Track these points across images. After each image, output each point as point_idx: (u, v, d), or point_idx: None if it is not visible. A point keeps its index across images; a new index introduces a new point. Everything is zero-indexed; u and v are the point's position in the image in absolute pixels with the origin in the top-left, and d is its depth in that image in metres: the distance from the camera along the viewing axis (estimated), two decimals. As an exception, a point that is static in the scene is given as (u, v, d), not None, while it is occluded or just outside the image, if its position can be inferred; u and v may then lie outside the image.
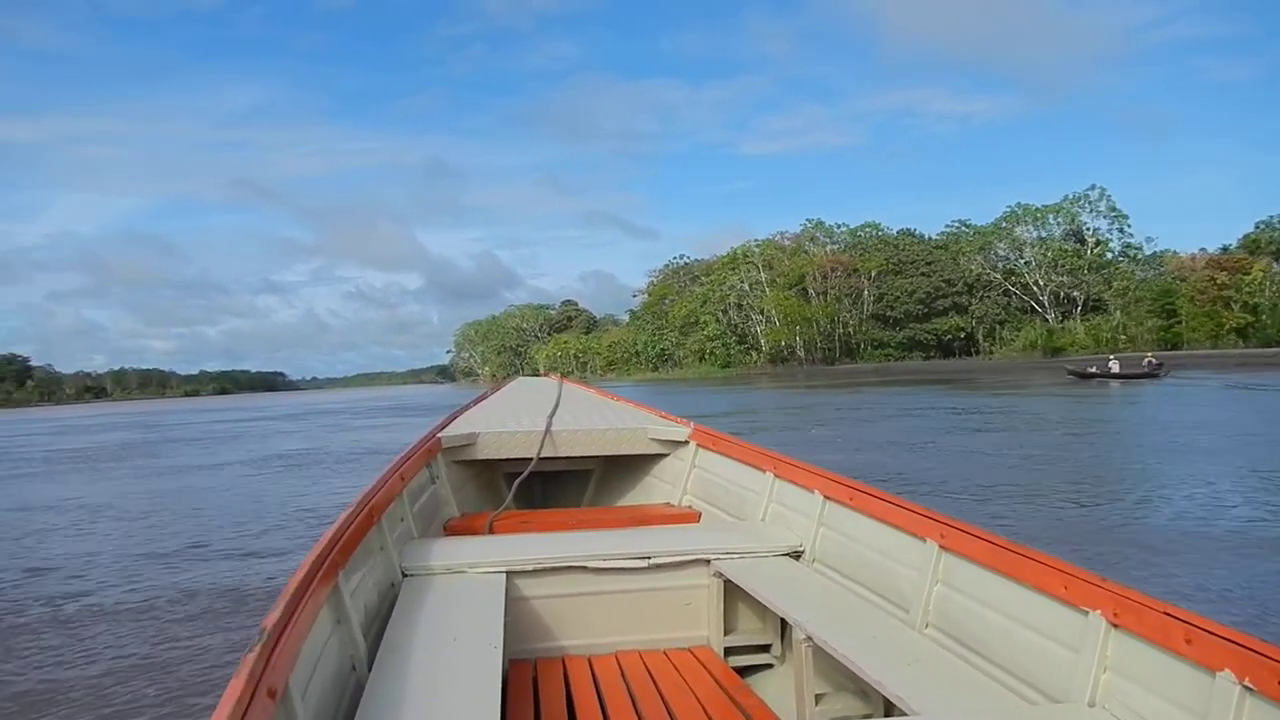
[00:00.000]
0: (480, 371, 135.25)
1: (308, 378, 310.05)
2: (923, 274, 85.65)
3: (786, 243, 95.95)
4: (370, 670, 2.14)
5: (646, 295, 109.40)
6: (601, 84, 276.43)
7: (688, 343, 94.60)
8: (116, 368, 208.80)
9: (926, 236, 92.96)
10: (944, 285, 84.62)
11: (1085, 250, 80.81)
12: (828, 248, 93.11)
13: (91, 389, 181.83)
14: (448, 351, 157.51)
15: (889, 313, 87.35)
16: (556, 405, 4.93)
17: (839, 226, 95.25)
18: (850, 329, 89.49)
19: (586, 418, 4.83)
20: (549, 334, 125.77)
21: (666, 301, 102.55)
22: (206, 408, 71.14)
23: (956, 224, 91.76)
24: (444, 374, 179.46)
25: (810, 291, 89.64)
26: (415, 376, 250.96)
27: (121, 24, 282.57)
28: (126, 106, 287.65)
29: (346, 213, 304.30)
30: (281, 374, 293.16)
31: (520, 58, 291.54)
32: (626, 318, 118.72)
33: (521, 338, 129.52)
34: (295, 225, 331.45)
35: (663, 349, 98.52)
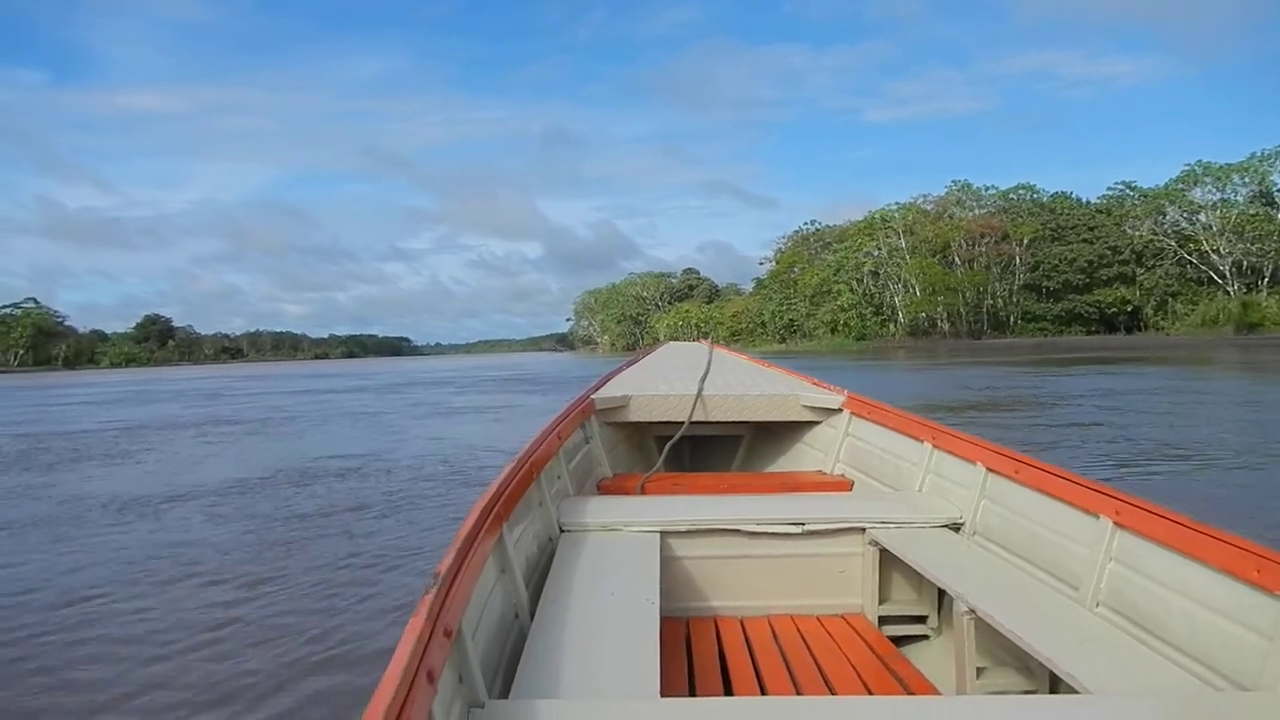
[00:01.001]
0: (599, 340, 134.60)
1: (431, 343, 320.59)
2: (1084, 240, 77.55)
3: (929, 206, 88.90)
4: (532, 619, 2.22)
5: (774, 263, 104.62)
6: (722, 50, 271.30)
7: (819, 313, 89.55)
8: (253, 330, 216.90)
9: (1085, 201, 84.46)
10: (1108, 253, 76.41)
11: (1276, 215, 71.30)
12: (974, 212, 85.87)
13: (228, 349, 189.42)
14: (567, 320, 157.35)
15: (1045, 283, 79.48)
16: (707, 370, 4.92)
17: (987, 189, 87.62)
18: (1000, 300, 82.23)
19: (738, 383, 4.87)
20: (669, 303, 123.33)
21: (795, 270, 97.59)
22: (313, 373, 71.54)
23: (1120, 186, 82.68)
24: (563, 342, 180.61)
25: (956, 259, 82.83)
26: (534, 344, 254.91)
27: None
28: (263, 77, 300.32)
29: (469, 181, 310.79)
30: (406, 339, 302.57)
31: (641, 23, 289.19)
32: (750, 287, 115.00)
33: (642, 306, 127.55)
34: (420, 194, 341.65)
35: (791, 319, 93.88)
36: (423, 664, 1.38)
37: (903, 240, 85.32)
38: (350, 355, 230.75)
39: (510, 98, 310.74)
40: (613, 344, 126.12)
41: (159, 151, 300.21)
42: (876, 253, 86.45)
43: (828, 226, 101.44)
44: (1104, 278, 77.03)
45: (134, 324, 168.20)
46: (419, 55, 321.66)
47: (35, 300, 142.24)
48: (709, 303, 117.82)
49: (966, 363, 39.89)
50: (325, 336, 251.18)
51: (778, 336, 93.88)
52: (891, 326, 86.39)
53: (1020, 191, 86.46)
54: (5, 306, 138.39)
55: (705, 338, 7.11)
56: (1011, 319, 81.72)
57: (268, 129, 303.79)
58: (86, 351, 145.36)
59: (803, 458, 4.71)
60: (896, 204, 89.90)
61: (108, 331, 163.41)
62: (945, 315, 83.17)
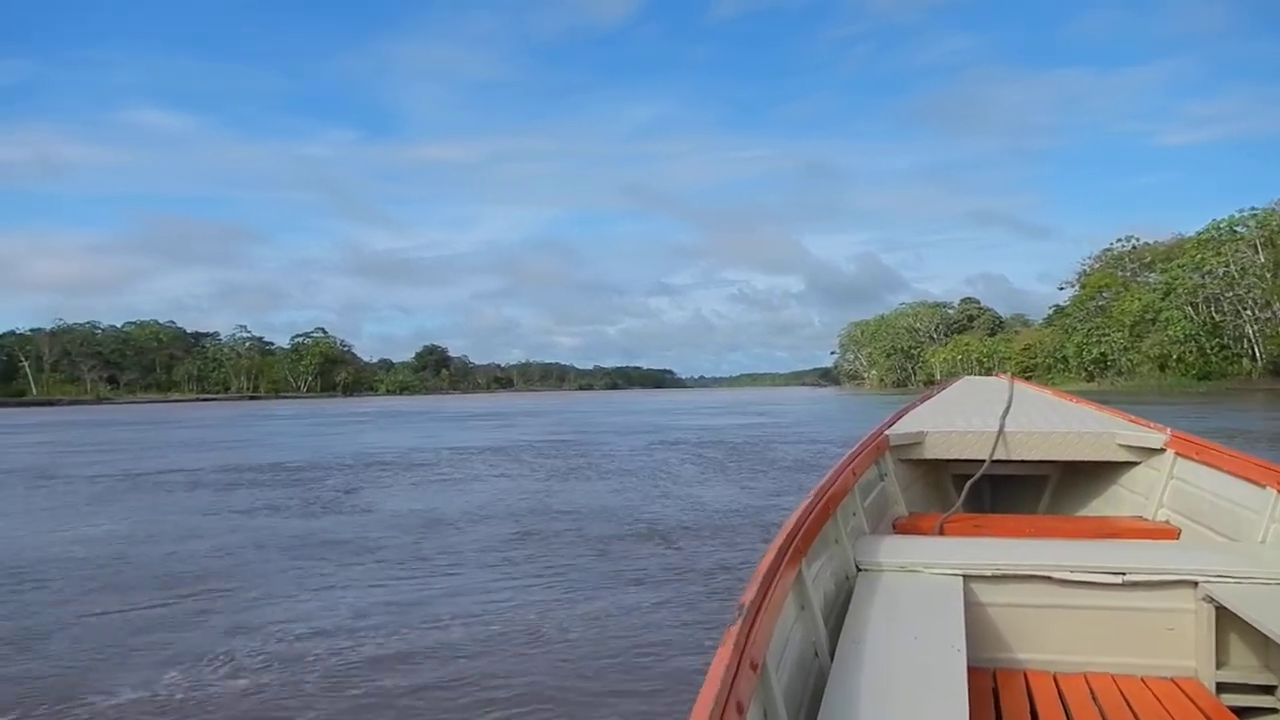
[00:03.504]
0: (866, 375, 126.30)
1: (695, 376, 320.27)
2: None
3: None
4: (832, 658, 2.17)
5: (1077, 287, 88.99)
6: (995, 77, 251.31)
7: (1142, 345, 74.06)
8: (525, 361, 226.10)
9: None
10: None
11: None
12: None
13: (499, 380, 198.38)
14: (831, 353, 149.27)
15: None
16: (1009, 406, 4.63)
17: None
18: None
19: (1043, 419, 4.58)
20: (946, 335, 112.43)
21: (1104, 294, 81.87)
22: (557, 402, 71.53)
23: None
24: (826, 377, 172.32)
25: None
26: (797, 378, 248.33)
27: (542, 51, 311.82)
28: (546, 126, 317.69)
29: (731, 217, 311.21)
30: (670, 372, 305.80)
31: (909, 55, 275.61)
32: (1038, 318, 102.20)
33: (914, 339, 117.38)
34: (684, 230, 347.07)
35: (1102, 353, 78.52)
36: (731, 696, 1.38)
37: (1260, 254, 67.64)
38: (614, 387, 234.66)
39: (773, 134, 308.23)
40: (881, 379, 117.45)
41: (451, 198, 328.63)
42: (1226, 271, 69.19)
43: (1146, 244, 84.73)
44: None
45: (413, 354, 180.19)
46: (686, 97, 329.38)
47: (324, 330, 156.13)
48: (991, 335, 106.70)
49: None
50: (590, 368, 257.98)
51: (1084, 373, 79.38)
52: (1245, 363, 68.73)
53: None
54: (298, 336, 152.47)
55: (1004, 372, 6.33)
56: None
57: (547, 173, 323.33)
58: (366, 380, 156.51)
59: (1119, 502, 4.37)
60: (1251, 210, 71.75)
61: (395, 360, 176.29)
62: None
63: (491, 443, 22.34)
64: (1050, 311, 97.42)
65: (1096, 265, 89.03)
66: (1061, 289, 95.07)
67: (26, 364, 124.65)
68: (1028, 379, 6.40)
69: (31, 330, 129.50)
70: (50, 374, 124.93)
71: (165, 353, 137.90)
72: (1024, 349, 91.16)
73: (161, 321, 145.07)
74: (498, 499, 11.33)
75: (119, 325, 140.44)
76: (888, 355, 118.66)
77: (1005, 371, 6.38)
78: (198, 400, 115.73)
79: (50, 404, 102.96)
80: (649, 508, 10.31)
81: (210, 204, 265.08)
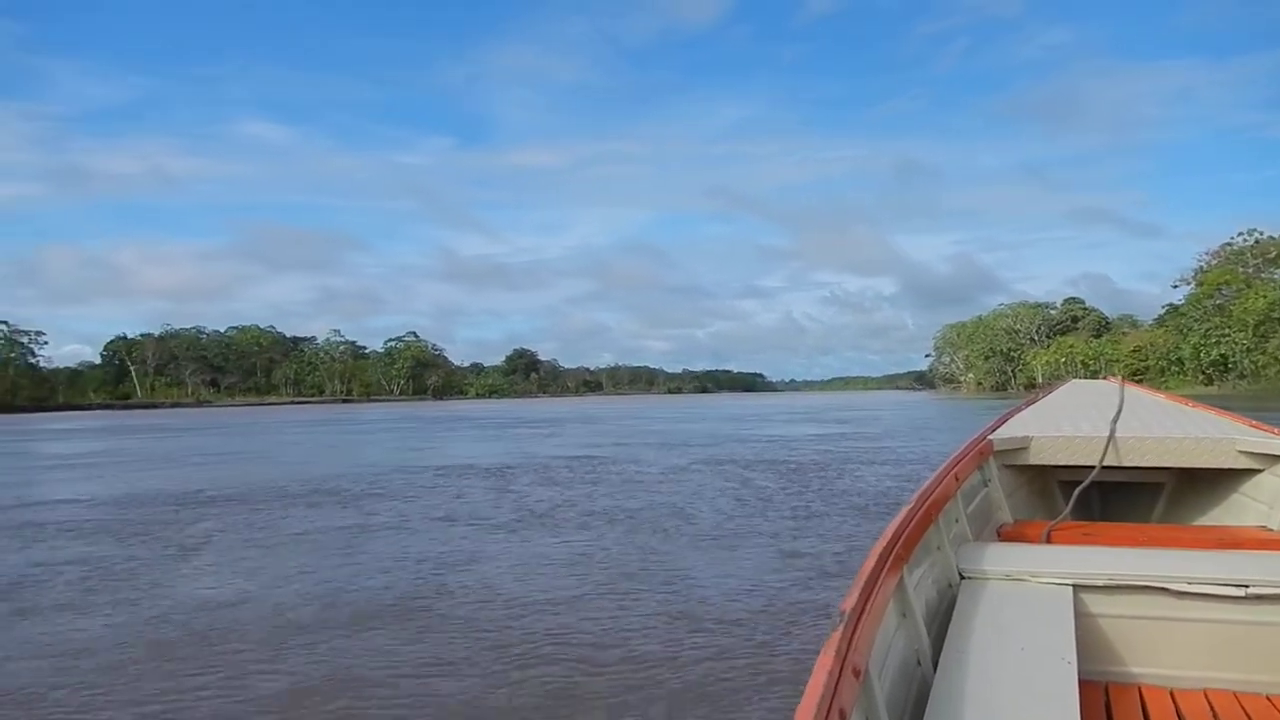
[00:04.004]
0: (963, 378, 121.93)
1: (786, 379, 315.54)
2: None
3: None
4: (935, 668, 2.15)
5: (1192, 285, 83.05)
6: (1097, 70, 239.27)
7: (1268, 346, 68.70)
8: (615, 364, 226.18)
9: None
10: None
11: None
12: None
13: (588, 383, 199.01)
14: (926, 356, 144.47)
15: None
16: (1120, 410, 4.45)
17: None
18: None
19: (1157, 424, 4.41)
20: (1048, 337, 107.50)
21: (1224, 292, 76.09)
22: (646, 406, 67.37)
23: None
24: (921, 380, 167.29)
25: None
26: (890, 382, 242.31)
27: (630, 54, 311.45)
28: (635, 129, 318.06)
29: (821, 218, 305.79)
30: (760, 375, 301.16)
31: (1007, 50, 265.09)
32: (1147, 319, 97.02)
33: (1014, 341, 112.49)
34: (773, 232, 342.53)
35: (1222, 355, 72.99)
36: (834, 703, 1.37)
37: None
38: (703, 390, 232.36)
39: (863, 133, 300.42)
40: (979, 383, 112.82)
41: (541, 203, 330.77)
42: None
43: (1271, 238, 78.43)
44: None
45: (504, 357, 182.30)
46: (773, 98, 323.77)
47: (415, 334, 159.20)
48: (1097, 336, 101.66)
49: None
50: (679, 371, 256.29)
51: (1202, 376, 74.15)
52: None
53: None
54: (391, 340, 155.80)
55: (1115, 375, 6.25)
56: None
57: (635, 176, 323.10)
58: (456, 383, 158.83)
59: (1240, 511, 4.16)
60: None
61: (486, 364, 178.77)
62: None
63: (500, 459, 18.69)
64: (1162, 311, 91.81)
65: (1214, 261, 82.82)
66: (1175, 287, 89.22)
67: (133, 368, 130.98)
68: (1138, 382, 5.90)
69: (141, 335, 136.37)
70: (155, 377, 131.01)
71: (265, 356, 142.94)
72: (1134, 351, 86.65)
73: (262, 326, 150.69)
74: (348, 581, 6.87)
75: (222, 330, 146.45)
76: (986, 358, 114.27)
77: (1114, 374, 6.05)
78: (292, 403, 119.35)
79: (153, 406, 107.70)
80: (596, 607, 5.92)
81: (311, 212, 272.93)
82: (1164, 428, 4.28)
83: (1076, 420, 4.52)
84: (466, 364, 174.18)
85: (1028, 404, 5.28)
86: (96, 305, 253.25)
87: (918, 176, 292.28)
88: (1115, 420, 4.25)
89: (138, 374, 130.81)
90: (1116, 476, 4.30)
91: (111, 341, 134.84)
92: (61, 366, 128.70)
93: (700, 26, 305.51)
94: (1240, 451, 4.05)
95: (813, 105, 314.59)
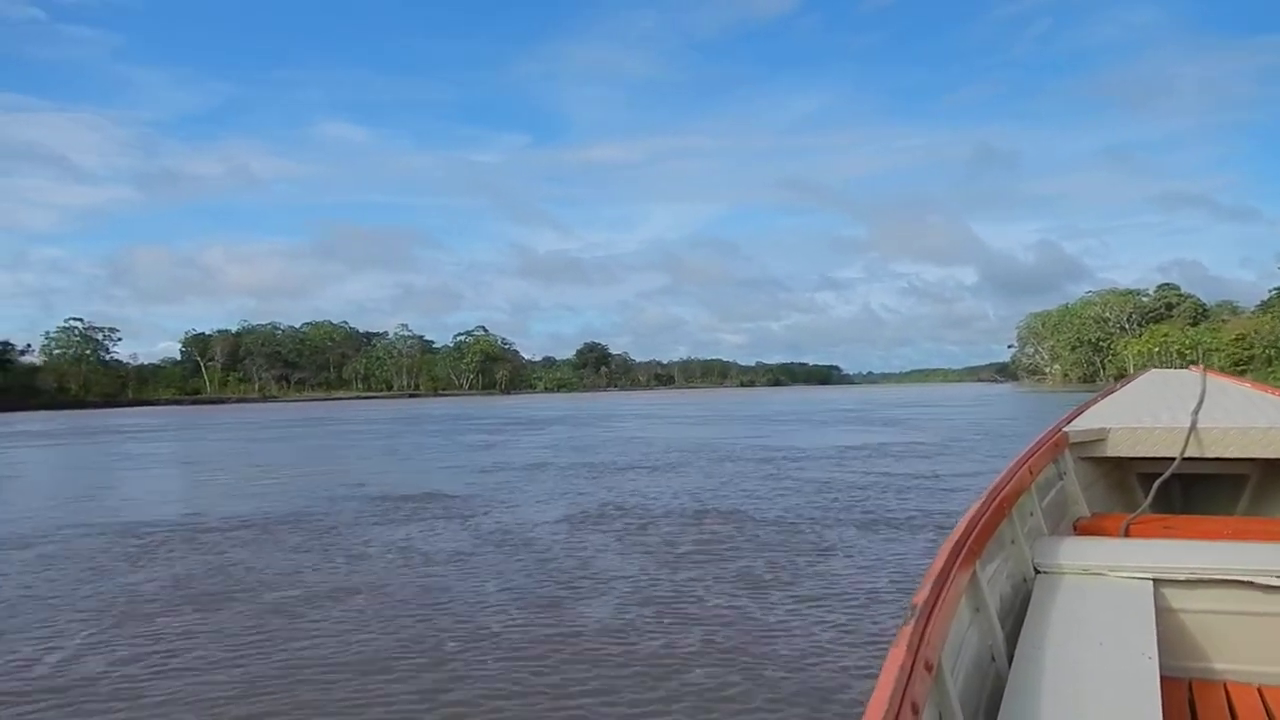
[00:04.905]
0: (1048, 370, 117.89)
1: (863, 372, 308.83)
2: None
3: None
4: (1010, 663, 2.13)
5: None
6: (1184, 49, 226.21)
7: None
8: (688, 358, 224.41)
9: None
10: None
11: None
12: None
13: (660, 377, 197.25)
14: (1009, 346, 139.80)
15: None
16: (1201, 399, 4.32)
17: None
18: None
19: (1241, 414, 4.25)
20: (1140, 326, 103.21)
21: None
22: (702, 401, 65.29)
23: None
24: (1003, 372, 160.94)
25: None
26: (972, 374, 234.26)
27: (701, 48, 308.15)
28: (707, 123, 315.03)
29: (898, 208, 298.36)
30: (837, 368, 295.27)
31: (1088, 31, 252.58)
32: (1248, 305, 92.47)
33: (1103, 330, 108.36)
34: (849, 223, 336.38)
35: (1336, 343, 67.01)
36: (906, 696, 1.37)
37: None
38: (777, 383, 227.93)
39: (938, 120, 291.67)
40: (1065, 374, 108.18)
41: (614, 198, 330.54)
42: None
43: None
44: None
45: (574, 351, 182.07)
46: (845, 88, 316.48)
47: (484, 328, 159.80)
48: (1194, 324, 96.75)
49: None
50: (753, 364, 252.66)
51: (1313, 367, 67.95)
52: None
53: None
54: (460, 334, 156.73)
55: (1200, 364, 5.74)
56: None
57: (707, 170, 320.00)
58: (525, 377, 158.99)
59: None
60: None
61: (560, 358, 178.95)
62: None
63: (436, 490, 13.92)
64: (1270, 295, 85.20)
65: (1328, 240, 76.55)
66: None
67: (204, 364, 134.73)
68: (1241, 373, 3.64)
69: (217, 332, 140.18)
70: (229, 372, 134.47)
71: (338, 352, 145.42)
72: (1236, 339, 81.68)
73: (335, 321, 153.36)
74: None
75: (297, 325, 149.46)
76: (1072, 348, 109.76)
77: (1209, 364, 5.84)
78: (358, 398, 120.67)
79: (220, 402, 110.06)
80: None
81: (389, 210, 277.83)
82: (1248, 417, 4.13)
83: (1156, 410, 4.39)
84: (539, 358, 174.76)
85: (1104, 395, 5.10)
86: (188, 304, 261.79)
87: (995, 164, 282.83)
88: (1197, 410, 4.14)
89: (208, 370, 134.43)
90: (1198, 468, 4.17)
91: (188, 338, 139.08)
92: (147, 364, 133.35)
93: (770, 18, 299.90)
94: None
95: (885, 94, 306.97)
